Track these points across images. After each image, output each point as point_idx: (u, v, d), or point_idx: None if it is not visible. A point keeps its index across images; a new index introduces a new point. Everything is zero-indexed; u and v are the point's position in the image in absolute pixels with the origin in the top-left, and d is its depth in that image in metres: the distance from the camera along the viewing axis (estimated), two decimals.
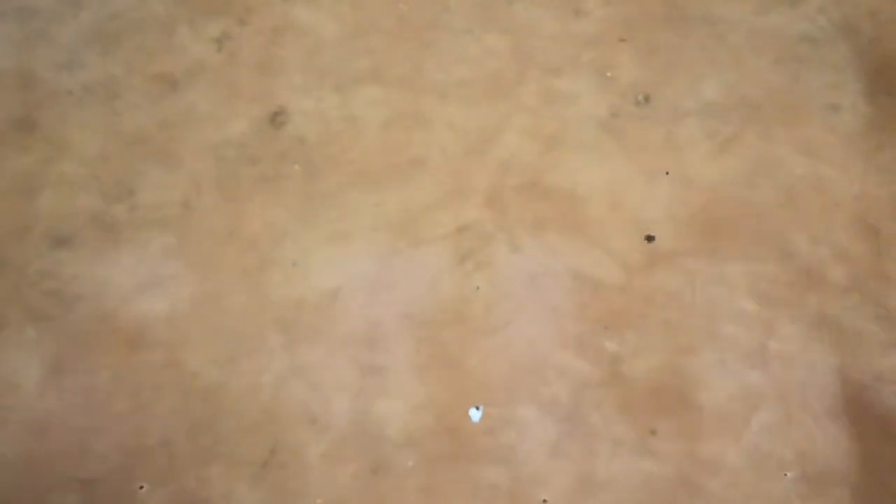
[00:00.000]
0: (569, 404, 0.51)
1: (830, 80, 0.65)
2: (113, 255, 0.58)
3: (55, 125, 0.64)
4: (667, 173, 0.61)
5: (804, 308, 0.56)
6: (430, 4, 0.70)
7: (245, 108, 0.65)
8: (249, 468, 0.48)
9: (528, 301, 0.54)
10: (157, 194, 0.61)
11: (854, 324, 0.55)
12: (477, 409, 0.50)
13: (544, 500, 0.48)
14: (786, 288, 0.56)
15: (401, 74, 0.67)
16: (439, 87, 0.66)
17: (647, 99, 0.65)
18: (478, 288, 0.56)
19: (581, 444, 0.50)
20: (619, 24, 0.68)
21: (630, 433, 0.50)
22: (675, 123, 0.64)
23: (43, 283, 0.57)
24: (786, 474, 0.49)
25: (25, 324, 0.55)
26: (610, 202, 0.60)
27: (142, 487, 0.47)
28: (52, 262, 0.58)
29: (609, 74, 0.66)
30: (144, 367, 0.56)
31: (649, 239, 0.58)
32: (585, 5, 0.70)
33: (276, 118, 0.64)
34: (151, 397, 0.55)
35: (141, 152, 0.63)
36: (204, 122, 0.64)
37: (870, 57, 0.66)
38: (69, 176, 0.61)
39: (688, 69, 0.66)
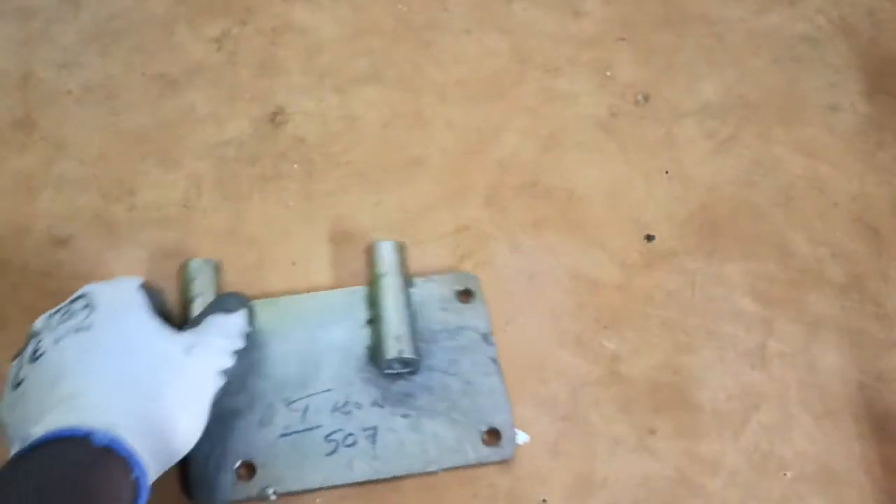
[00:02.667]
0: (568, 403, 0.51)
1: (829, 79, 0.65)
2: (113, 254, 0.58)
3: (55, 125, 0.64)
4: (666, 173, 0.61)
5: (804, 308, 0.56)
6: (430, 5, 0.70)
7: (245, 107, 0.65)
8: None
9: (527, 300, 0.54)
10: (156, 194, 0.60)
11: (854, 324, 0.55)
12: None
13: (544, 500, 0.48)
14: (785, 287, 0.56)
15: (400, 74, 0.67)
16: (439, 87, 0.66)
17: (646, 98, 0.65)
18: None
19: (580, 443, 0.50)
20: (618, 23, 0.69)
21: (629, 432, 0.50)
22: (674, 123, 0.64)
23: (43, 283, 0.57)
24: (785, 474, 0.49)
25: (25, 323, 0.55)
26: (609, 202, 0.60)
27: None
28: (52, 262, 0.58)
29: (608, 74, 0.66)
30: None
31: (649, 238, 0.58)
32: (584, 5, 0.70)
33: (276, 118, 0.64)
34: None
35: (140, 152, 0.63)
36: (203, 121, 0.64)
37: (869, 57, 0.66)
38: (69, 176, 0.61)
39: (687, 69, 0.66)
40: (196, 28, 0.69)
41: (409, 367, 0.47)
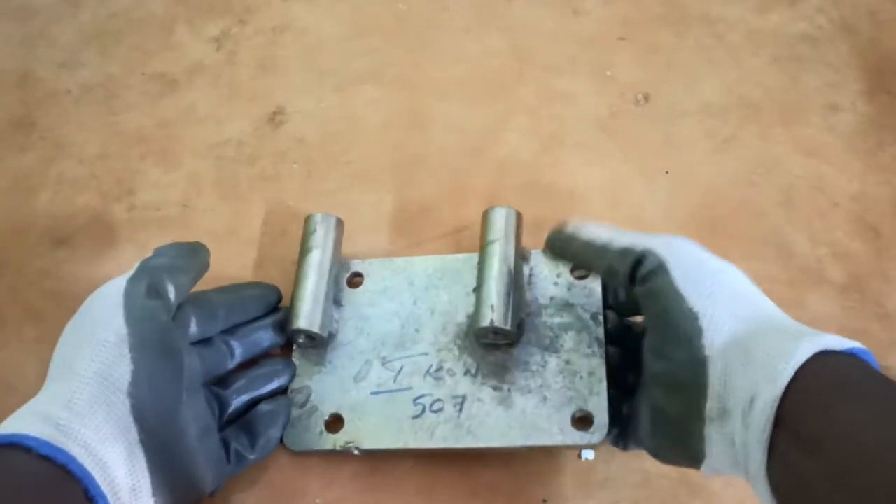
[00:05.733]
0: None
1: (829, 79, 0.65)
2: (112, 254, 0.58)
3: (54, 124, 0.64)
4: (666, 172, 0.61)
5: (804, 308, 0.55)
6: (430, 4, 0.70)
7: (244, 107, 0.65)
8: (249, 468, 0.48)
9: None
10: (156, 194, 0.60)
11: (854, 324, 0.55)
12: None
13: (544, 500, 0.48)
14: (786, 288, 0.56)
15: (400, 74, 0.67)
16: (439, 86, 0.66)
17: (646, 98, 0.65)
18: None
19: None
20: (618, 23, 0.68)
21: None
22: (674, 123, 0.63)
23: (42, 283, 0.57)
24: None
25: (24, 323, 0.55)
26: (609, 201, 0.59)
27: None
28: (51, 262, 0.57)
29: (608, 74, 0.66)
30: None
31: None
32: (584, 5, 0.70)
33: (276, 118, 0.64)
34: None
35: (140, 152, 0.62)
36: (203, 121, 0.64)
37: (869, 56, 0.66)
38: (68, 175, 0.61)
39: (687, 68, 0.66)
40: (196, 28, 0.69)
41: (506, 338, 0.45)
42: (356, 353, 0.47)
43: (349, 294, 0.50)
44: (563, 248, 0.46)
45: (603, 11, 0.69)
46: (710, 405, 0.33)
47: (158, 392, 0.35)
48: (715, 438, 0.34)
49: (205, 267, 0.44)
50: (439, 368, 0.46)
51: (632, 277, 0.39)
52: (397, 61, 0.67)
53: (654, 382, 0.37)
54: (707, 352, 0.34)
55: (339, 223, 0.51)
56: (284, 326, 0.48)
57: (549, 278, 0.48)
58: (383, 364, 0.47)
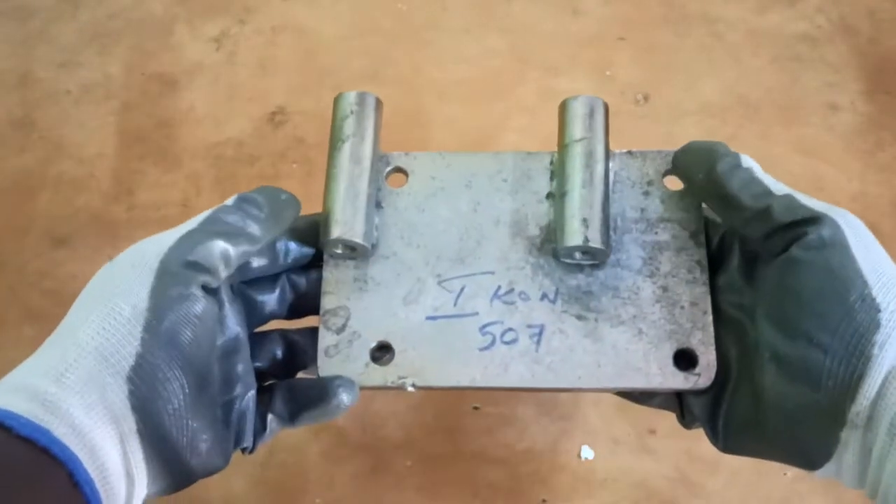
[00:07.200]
0: (568, 403, 0.51)
1: (829, 79, 0.65)
2: (112, 254, 0.57)
3: (53, 125, 0.64)
4: None
5: None
6: (430, 4, 0.70)
7: (243, 107, 0.65)
8: (249, 468, 0.48)
9: None
10: (155, 194, 0.60)
11: None
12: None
13: (543, 500, 0.48)
14: None
15: (399, 74, 0.67)
16: (438, 86, 0.66)
17: (646, 98, 0.65)
18: None
19: (580, 442, 0.50)
20: (617, 23, 0.68)
21: (629, 432, 0.50)
22: (674, 123, 0.63)
23: (41, 283, 0.57)
24: (785, 474, 0.49)
25: (24, 323, 0.55)
26: None
27: None
28: (51, 262, 0.58)
29: (608, 74, 0.66)
30: None
31: None
32: (584, 5, 0.70)
33: (275, 118, 0.64)
34: None
35: (139, 152, 0.63)
36: (202, 121, 0.64)
37: (869, 56, 0.66)
38: (67, 175, 0.61)
39: (686, 68, 0.66)
40: (195, 28, 0.69)
41: (593, 258, 0.38)
42: (403, 269, 0.39)
43: (389, 195, 0.40)
44: (700, 167, 0.37)
45: (603, 11, 0.69)
46: (858, 410, 0.29)
47: (164, 386, 0.30)
48: (853, 446, 0.30)
49: (285, 230, 0.37)
50: (509, 291, 0.38)
51: (787, 239, 0.32)
52: (397, 61, 0.67)
53: (779, 366, 0.31)
54: (876, 350, 0.29)
55: (379, 104, 0.41)
56: (306, 237, 0.40)
57: (638, 186, 0.40)
58: (439, 283, 0.38)
